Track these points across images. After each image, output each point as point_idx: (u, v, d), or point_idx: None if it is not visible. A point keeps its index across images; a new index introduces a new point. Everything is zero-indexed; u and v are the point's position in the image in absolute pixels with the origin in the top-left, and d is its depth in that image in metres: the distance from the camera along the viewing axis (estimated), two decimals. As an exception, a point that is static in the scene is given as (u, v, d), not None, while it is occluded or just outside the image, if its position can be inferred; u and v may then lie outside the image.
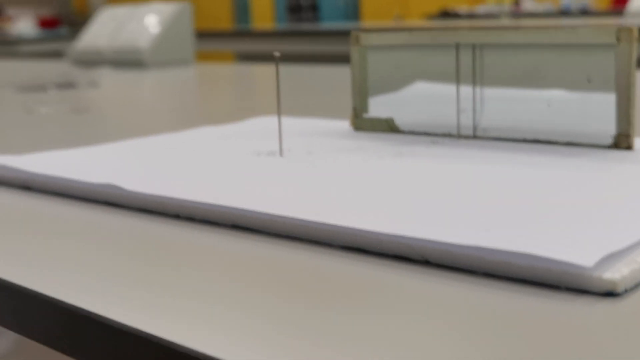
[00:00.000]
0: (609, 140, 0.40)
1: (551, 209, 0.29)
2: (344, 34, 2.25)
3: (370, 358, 0.20)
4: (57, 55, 1.54)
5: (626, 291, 0.23)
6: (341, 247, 0.28)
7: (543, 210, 0.29)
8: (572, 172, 0.35)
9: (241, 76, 1.20)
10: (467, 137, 0.45)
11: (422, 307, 0.23)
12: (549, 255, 0.23)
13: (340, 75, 0.88)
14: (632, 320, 0.22)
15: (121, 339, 0.23)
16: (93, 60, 1.47)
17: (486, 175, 0.35)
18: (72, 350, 0.26)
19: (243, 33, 3.16)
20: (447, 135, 0.46)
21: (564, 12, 3.53)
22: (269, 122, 0.54)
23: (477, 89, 0.47)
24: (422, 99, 0.51)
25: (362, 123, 0.50)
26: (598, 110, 0.41)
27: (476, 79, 0.45)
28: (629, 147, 0.40)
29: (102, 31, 1.50)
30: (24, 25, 5.01)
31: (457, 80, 0.44)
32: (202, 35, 3.14)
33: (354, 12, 5.85)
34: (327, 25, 3.79)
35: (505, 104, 0.48)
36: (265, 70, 1.37)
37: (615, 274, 0.23)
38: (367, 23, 3.96)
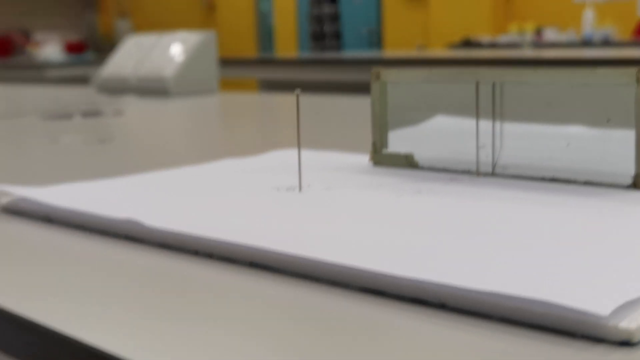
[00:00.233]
0: (629, 180, 0.40)
1: (568, 252, 0.29)
2: (366, 63, 2.28)
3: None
4: (82, 80, 1.57)
5: (642, 340, 0.23)
6: (359, 289, 0.29)
7: (560, 254, 0.29)
8: (590, 213, 0.35)
9: (264, 106, 1.21)
10: (485, 175, 0.45)
11: (437, 351, 0.24)
12: (564, 302, 0.23)
13: (362, 105, 0.89)
14: (648, 370, 0.22)
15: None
16: (118, 88, 1.48)
17: (503, 216, 0.35)
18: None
19: (266, 61, 3.18)
20: (466, 172, 0.46)
21: (586, 42, 3.52)
22: (289, 155, 0.54)
23: (497, 126, 0.47)
24: (442, 134, 0.51)
25: (382, 158, 0.50)
26: (617, 150, 0.41)
27: (495, 116, 0.45)
28: (648, 188, 0.40)
29: (127, 59, 1.52)
30: (50, 50, 5.09)
31: (477, 118, 0.44)
32: (227, 62, 3.18)
33: (376, 41, 5.88)
34: (349, 54, 3.81)
35: (525, 140, 0.48)
36: (288, 100, 1.37)
37: (632, 323, 0.23)
38: (389, 52, 3.98)
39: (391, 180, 0.45)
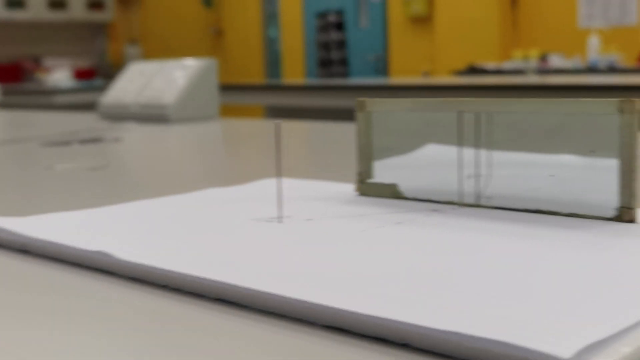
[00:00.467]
0: (612, 213, 0.39)
1: (539, 291, 0.28)
2: (372, 89, 2.28)
3: None
4: (91, 106, 1.57)
5: (607, 384, 0.22)
6: (323, 326, 0.28)
7: (530, 292, 0.28)
8: (569, 248, 0.35)
9: (264, 132, 1.21)
10: (469, 206, 0.45)
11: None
12: (525, 344, 0.22)
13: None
14: (610, 416, 0.21)
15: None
16: (120, 115, 1.49)
17: (478, 251, 0.35)
18: None
19: (273, 87, 3.19)
20: (450, 203, 0.46)
21: (592, 69, 3.52)
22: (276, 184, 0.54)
23: (483, 155, 0.46)
24: (429, 163, 0.51)
25: (367, 188, 0.50)
26: (602, 181, 0.40)
27: (480, 146, 0.45)
28: (631, 220, 0.39)
29: (129, 86, 1.52)
30: (59, 76, 5.13)
31: (460, 147, 0.44)
32: (234, 88, 3.19)
33: (383, 68, 5.90)
34: (355, 80, 3.82)
35: (510, 170, 0.48)
36: (289, 127, 1.37)
37: (595, 366, 0.22)
38: (394, 79, 3.99)
39: (374, 211, 0.44)
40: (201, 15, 7.36)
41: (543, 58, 4.13)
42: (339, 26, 6.23)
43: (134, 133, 1.21)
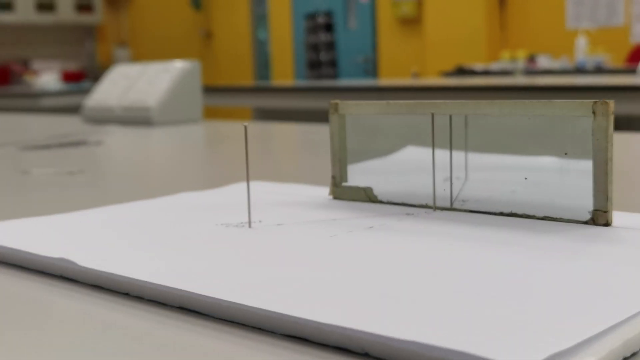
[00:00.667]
0: (587, 216, 0.39)
1: (505, 299, 0.27)
2: (361, 91, 2.27)
3: None
4: (78, 109, 1.56)
5: (570, 395, 0.21)
6: (283, 336, 0.27)
7: (496, 301, 0.27)
8: (541, 253, 0.34)
9: (249, 135, 1.20)
10: (443, 209, 0.44)
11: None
12: (486, 355, 0.22)
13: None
14: None
15: None
16: (104, 118, 1.48)
17: (446, 257, 0.34)
18: None
19: (262, 89, 3.18)
20: (424, 206, 0.45)
21: (579, 70, 3.53)
22: (252, 188, 0.53)
23: (456, 159, 0.45)
24: (404, 167, 0.50)
25: (341, 192, 0.49)
26: (576, 184, 0.39)
27: (454, 149, 0.44)
28: (606, 223, 0.38)
29: (113, 89, 1.51)
30: (47, 78, 5.10)
31: (433, 151, 0.43)
32: (223, 90, 3.18)
33: (372, 69, 5.90)
34: (344, 82, 3.81)
35: (485, 173, 0.47)
36: (273, 129, 1.36)
37: (557, 377, 0.21)
38: (384, 80, 3.98)
39: (346, 215, 0.44)
40: (190, 17, 7.35)
41: (531, 59, 4.14)
42: (328, 27, 6.22)
43: (116, 136, 1.20)
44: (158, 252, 0.37)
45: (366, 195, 0.48)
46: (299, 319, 0.26)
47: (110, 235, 0.41)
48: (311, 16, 6.33)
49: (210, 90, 3.14)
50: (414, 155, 0.50)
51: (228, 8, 7.05)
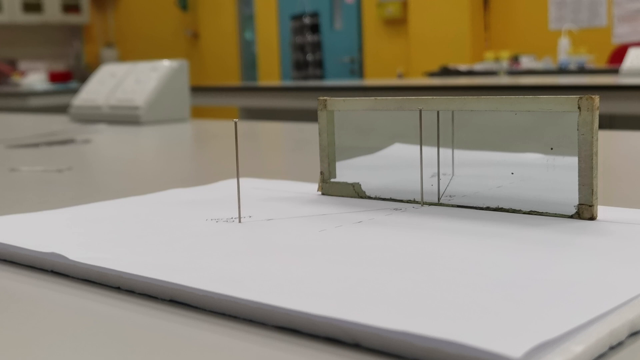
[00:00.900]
0: (572, 210, 0.39)
1: (492, 290, 0.28)
2: (346, 90, 2.27)
3: None
4: (66, 109, 1.55)
5: (557, 382, 0.22)
6: (274, 327, 0.27)
7: (483, 292, 0.28)
8: (526, 246, 0.34)
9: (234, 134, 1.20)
10: (431, 204, 0.44)
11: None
12: (475, 344, 0.22)
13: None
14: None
15: None
16: (91, 117, 1.47)
17: (434, 249, 0.34)
18: None
19: (249, 89, 3.18)
20: (412, 202, 0.45)
21: (562, 70, 3.55)
22: (242, 184, 0.53)
23: (444, 155, 0.46)
24: (392, 163, 0.50)
25: (330, 188, 0.49)
26: (562, 178, 0.40)
27: (441, 145, 0.44)
28: (591, 217, 0.39)
29: (100, 88, 1.51)
30: (34, 78, 5.08)
31: (420, 147, 0.43)
32: (210, 90, 3.18)
33: (358, 70, 5.91)
34: (330, 82, 3.81)
35: (472, 169, 0.48)
36: (260, 127, 1.37)
37: (544, 364, 0.22)
38: (369, 80, 3.99)
39: (335, 210, 0.44)
40: (177, 18, 7.33)
41: (515, 59, 4.15)
42: (314, 28, 6.23)
43: (104, 135, 1.20)
44: (148, 246, 0.37)
45: (354, 191, 0.48)
46: (290, 310, 0.27)
47: (101, 231, 0.41)
48: (297, 17, 6.33)
49: (197, 90, 3.14)
50: (402, 152, 0.51)
51: (215, 9, 7.04)
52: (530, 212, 0.41)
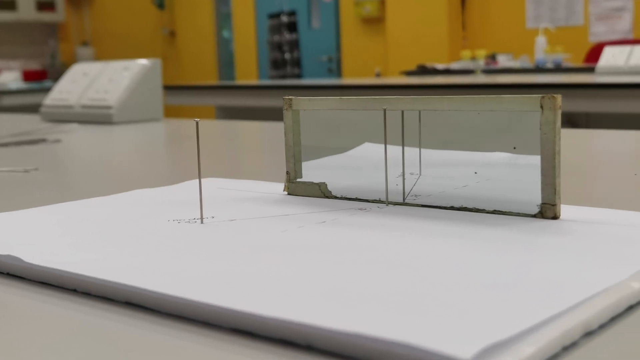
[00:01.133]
0: (535, 209, 0.39)
1: (450, 289, 0.28)
2: (324, 89, 2.27)
3: None
4: (39, 108, 1.54)
5: (508, 384, 0.22)
6: (230, 330, 0.27)
7: (441, 291, 0.27)
8: (487, 245, 0.34)
9: (208, 133, 1.19)
10: (396, 204, 0.44)
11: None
12: (425, 345, 0.22)
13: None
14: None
15: None
16: (63, 116, 1.46)
17: (394, 250, 0.34)
18: None
19: (226, 87, 3.17)
20: (377, 201, 0.45)
21: (539, 68, 3.57)
22: (208, 184, 0.53)
23: (410, 154, 0.46)
24: (359, 162, 0.50)
25: (296, 188, 0.49)
26: (525, 178, 0.40)
27: (407, 145, 0.44)
28: (554, 216, 0.39)
29: (72, 87, 1.49)
30: (8, 77, 5.03)
31: (385, 146, 0.43)
32: (187, 89, 3.17)
33: (336, 68, 5.91)
34: (307, 80, 3.81)
35: (439, 168, 0.47)
36: (235, 127, 1.36)
37: (495, 366, 0.21)
38: (347, 79, 4.00)
39: (299, 211, 0.44)
40: (154, 16, 7.29)
41: (492, 58, 4.18)
42: (292, 27, 6.22)
43: (75, 135, 1.18)
44: (106, 247, 0.36)
45: (320, 191, 0.48)
46: (244, 313, 0.26)
47: (60, 232, 0.40)
48: (275, 15, 6.32)
49: (173, 89, 3.12)
50: (371, 152, 0.50)
51: (192, 7, 7.01)
52: (494, 212, 0.41)
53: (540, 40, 3.86)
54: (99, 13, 7.68)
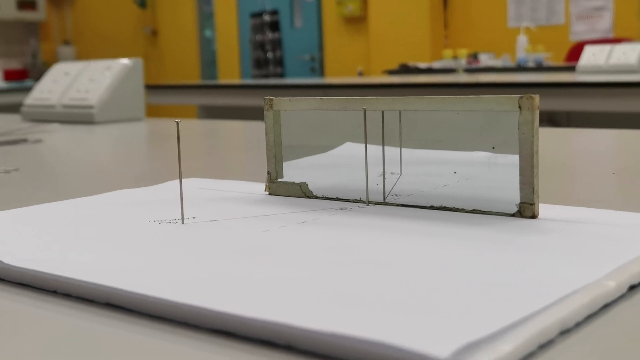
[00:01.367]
0: (514, 209, 0.40)
1: (429, 289, 0.28)
2: (306, 88, 2.27)
3: None
4: (19, 108, 1.53)
5: (485, 382, 0.22)
6: (209, 330, 0.27)
7: (420, 290, 0.28)
8: (465, 245, 0.34)
9: (190, 133, 1.19)
10: (376, 204, 0.44)
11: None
12: (402, 345, 0.22)
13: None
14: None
15: None
16: (44, 116, 1.45)
17: (373, 249, 0.34)
18: None
19: (208, 87, 3.16)
20: (358, 201, 0.45)
21: (520, 67, 3.59)
22: (189, 184, 0.53)
23: (390, 154, 0.46)
24: (340, 162, 0.50)
25: (277, 188, 0.49)
26: (504, 178, 0.40)
27: (387, 144, 0.45)
28: (533, 216, 0.39)
29: (53, 86, 1.48)
30: (-13, 77, 5.00)
31: (365, 146, 0.43)
32: (169, 88, 3.16)
33: (319, 68, 5.91)
34: (289, 80, 3.81)
35: (419, 168, 0.48)
36: (218, 126, 1.36)
37: (471, 365, 0.22)
38: (330, 79, 4.00)
39: (280, 211, 0.44)
40: (135, 15, 7.26)
41: (474, 57, 4.20)
42: (274, 26, 6.22)
43: (56, 134, 1.18)
44: (86, 248, 0.36)
45: (301, 191, 0.48)
46: (223, 313, 0.26)
47: (40, 233, 0.40)
48: (257, 14, 6.32)
49: (155, 88, 3.11)
50: (352, 151, 0.51)
51: (174, 6, 6.99)
52: (473, 211, 0.41)
53: (522, 40, 3.89)
54: (80, 12, 7.64)
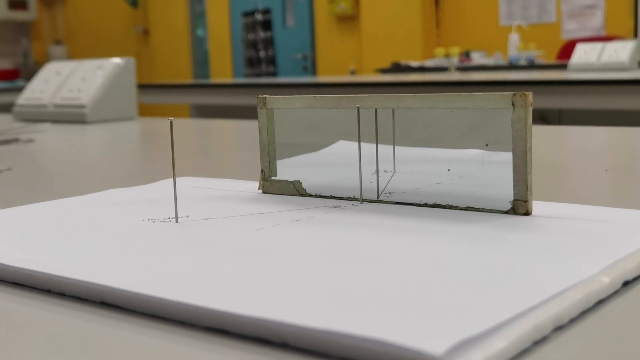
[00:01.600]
0: (507, 206, 0.40)
1: (424, 286, 0.28)
2: (298, 87, 2.27)
3: None
4: (12, 108, 1.52)
5: (480, 378, 0.22)
6: (204, 328, 0.27)
7: (414, 288, 0.28)
8: (460, 242, 0.34)
9: (182, 132, 1.19)
10: (370, 201, 0.44)
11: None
12: (397, 341, 0.22)
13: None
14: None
15: None
16: (36, 116, 1.45)
17: (368, 247, 0.34)
18: None
19: (200, 86, 3.16)
20: (351, 199, 0.45)
21: (512, 65, 3.60)
22: (182, 183, 0.53)
23: (384, 152, 0.46)
24: (334, 160, 0.50)
25: (270, 186, 0.49)
26: (498, 175, 0.40)
27: (380, 142, 0.45)
28: (526, 213, 0.39)
29: (45, 86, 1.48)
30: (-22, 77, 4.98)
31: (359, 144, 0.43)
32: (161, 87, 3.15)
33: (311, 66, 5.91)
34: (282, 79, 3.81)
35: (413, 165, 0.48)
36: (211, 125, 1.36)
37: (466, 361, 0.22)
38: (322, 77, 4.00)
39: (274, 209, 0.44)
40: (127, 14, 7.25)
41: (466, 55, 4.21)
42: (266, 25, 6.21)
43: (48, 134, 1.18)
44: (80, 247, 0.36)
45: (295, 189, 0.48)
46: (218, 311, 0.26)
47: (33, 232, 0.40)
48: (249, 13, 6.31)
49: (147, 87, 3.11)
50: (345, 150, 0.51)
51: (165, 5, 6.98)
52: (467, 208, 0.41)
53: (514, 38, 3.90)
54: (72, 11, 7.62)
